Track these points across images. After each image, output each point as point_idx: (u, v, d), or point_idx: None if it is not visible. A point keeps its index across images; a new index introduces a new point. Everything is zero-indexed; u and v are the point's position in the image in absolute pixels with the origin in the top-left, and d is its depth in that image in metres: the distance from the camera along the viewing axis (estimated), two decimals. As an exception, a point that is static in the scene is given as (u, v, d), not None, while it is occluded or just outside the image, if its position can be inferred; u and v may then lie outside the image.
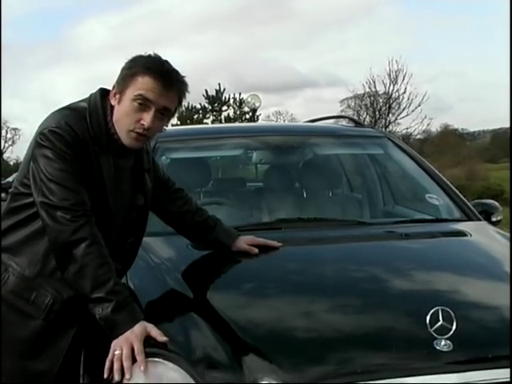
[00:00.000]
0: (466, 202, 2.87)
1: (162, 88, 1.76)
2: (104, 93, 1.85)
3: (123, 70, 1.80)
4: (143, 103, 1.76)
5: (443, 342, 1.58)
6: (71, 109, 1.82)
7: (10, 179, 14.77)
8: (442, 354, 1.57)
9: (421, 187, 3.10)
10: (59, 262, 1.72)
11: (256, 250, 2.17)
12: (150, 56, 1.80)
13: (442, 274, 2.08)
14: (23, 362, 1.79)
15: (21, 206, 1.81)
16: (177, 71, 1.82)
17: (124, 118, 1.79)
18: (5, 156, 39.73)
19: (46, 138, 1.72)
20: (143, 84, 1.75)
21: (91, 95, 1.86)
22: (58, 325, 1.79)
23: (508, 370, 1.53)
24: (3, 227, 1.84)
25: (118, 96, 1.80)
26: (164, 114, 1.82)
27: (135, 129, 1.79)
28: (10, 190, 1.89)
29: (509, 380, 1.52)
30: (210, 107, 30.69)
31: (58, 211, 1.69)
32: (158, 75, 1.76)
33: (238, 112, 29.61)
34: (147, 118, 1.77)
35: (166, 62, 1.81)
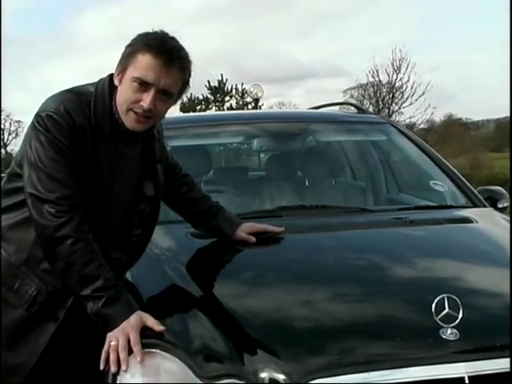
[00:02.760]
0: (472, 188, 2.83)
1: (162, 66, 1.66)
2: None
3: (126, 47, 1.72)
4: (143, 84, 1.68)
5: (449, 331, 1.54)
6: (75, 93, 1.75)
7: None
8: (448, 342, 1.52)
9: (425, 173, 3.06)
10: (46, 257, 1.69)
11: (253, 239, 2.13)
12: (154, 32, 1.71)
13: (448, 261, 2.04)
14: None
15: (15, 189, 1.76)
16: (180, 47, 1.71)
17: (123, 99, 1.71)
18: (8, 148, 39.68)
19: (43, 122, 1.67)
20: (142, 63, 1.67)
21: (100, 80, 1.80)
22: (39, 318, 1.74)
23: None
24: None
25: (119, 76, 1.73)
26: (167, 96, 1.72)
27: (133, 108, 1.70)
28: (7, 171, 1.85)
29: None
30: (213, 98, 30.61)
31: (44, 204, 1.64)
32: (158, 52, 1.66)
33: (241, 102, 29.53)
34: (147, 99, 1.68)
35: (171, 38, 1.71)
